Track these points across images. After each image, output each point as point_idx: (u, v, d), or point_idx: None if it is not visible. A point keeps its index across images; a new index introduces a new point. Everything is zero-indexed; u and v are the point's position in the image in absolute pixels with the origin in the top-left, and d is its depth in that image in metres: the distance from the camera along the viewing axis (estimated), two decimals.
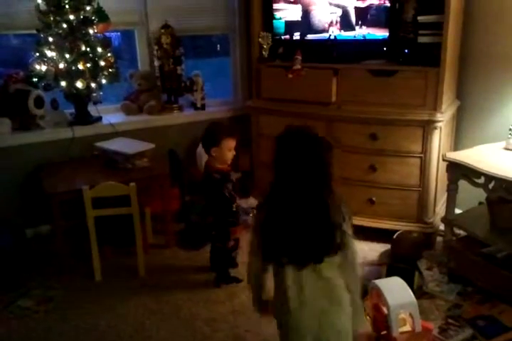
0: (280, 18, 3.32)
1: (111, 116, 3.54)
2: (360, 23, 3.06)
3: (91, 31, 3.09)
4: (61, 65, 3.05)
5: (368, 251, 3.03)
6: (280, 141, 1.60)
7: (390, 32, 2.98)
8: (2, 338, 2.38)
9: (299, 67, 3.13)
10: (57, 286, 2.77)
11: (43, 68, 3.06)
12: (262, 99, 3.41)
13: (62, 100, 3.33)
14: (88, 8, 3.06)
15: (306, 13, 3.21)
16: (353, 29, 3.09)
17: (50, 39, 3.02)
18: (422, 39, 2.85)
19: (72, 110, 3.39)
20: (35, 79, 3.11)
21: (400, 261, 2.72)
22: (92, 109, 3.42)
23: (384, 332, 2.12)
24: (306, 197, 1.53)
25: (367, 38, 3.06)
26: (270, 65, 3.36)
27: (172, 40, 3.51)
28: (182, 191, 3.42)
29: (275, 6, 3.29)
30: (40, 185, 2.85)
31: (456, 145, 3.26)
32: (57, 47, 3.04)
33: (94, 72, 3.14)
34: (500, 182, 2.35)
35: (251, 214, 3.40)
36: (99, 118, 3.45)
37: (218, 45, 6.53)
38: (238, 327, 2.39)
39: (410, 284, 2.28)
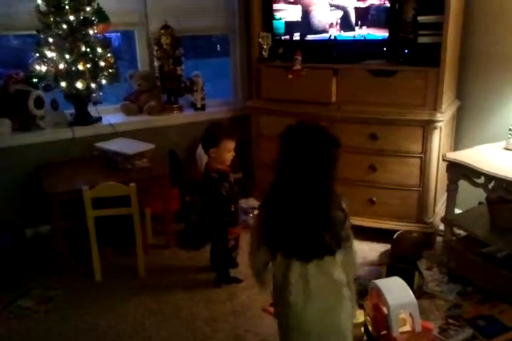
0: (280, 19, 3.32)
1: (111, 116, 3.54)
2: (360, 23, 3.06)
3: (91, 32, 3.09)
4: (61, 66, 3.05)
5: (368, 251, 3.03)
6: (288, 134, 1.57)
7: (389, 32, 2.98)
8: (2, 338, 2.38)
9: (299, 67, 3.13)
10: (57, 286, 2.77)
11: (43, 69, 3.06)
12: (262, 99, 3.41)
13: (62, 100, 3.34)
14: (88, 8, 3.06)
15: (306, 14, 3.21)
16: (353, 29, 3.09)
17: (50, 40, 3.02)
18: (422, 39, 2.85)
19: (72, 110, 3.39)
20: (35, 80, 3.12)
21: (400, 261, 2.72)
22: (92, 110, 3.42)
23: (384, 332, 2.12)
24: (309, 193, 1.52)
25: (367, 38, 3.06)
26: (270, 65, 3.36)
27: (172, 41, 3.51)
28: (182, 191, 3.42)
29: (275, 6, 3.30)
30: (40, 185, 2.85)
31: (456, 145, 3.26)
32: (57, 47, 3.04)
33: (94, 73, 3.14)
34: (500, 182, 2.35)
35: (251, 215, 3.41)
36: (99, 119, 3.45)
37: (218, 46, 6.55)
38: (238, 328, 2.39)
39: (410, 284, 2.28)
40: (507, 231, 2.50)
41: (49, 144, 3.22)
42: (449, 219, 2.73)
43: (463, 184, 2.62)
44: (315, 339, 1.62)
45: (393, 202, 3.04)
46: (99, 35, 3.17)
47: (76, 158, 3.24)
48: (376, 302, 2.20)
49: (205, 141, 2.65)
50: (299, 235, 1.53)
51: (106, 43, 3.20)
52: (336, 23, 3.14)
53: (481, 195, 2.62)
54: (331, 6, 3.12)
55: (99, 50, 3.13)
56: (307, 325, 1.59)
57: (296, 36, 3.30)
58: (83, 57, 3.07)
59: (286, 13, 3.28)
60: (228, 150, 2.61)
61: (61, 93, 3.24)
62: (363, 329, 2.24)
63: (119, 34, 4.27)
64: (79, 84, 3.09)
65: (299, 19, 3.24)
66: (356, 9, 3.04)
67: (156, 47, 3.53)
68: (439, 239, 3.03)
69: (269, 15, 3.36)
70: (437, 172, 2.94)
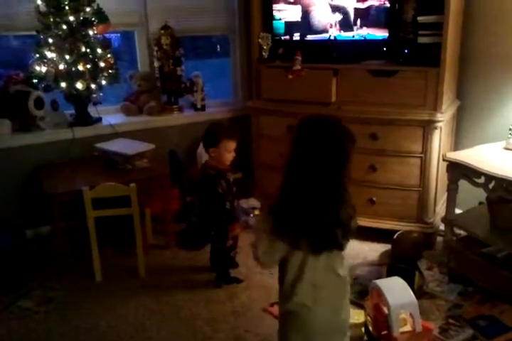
0: (280, 19, 3.32)
1: (111, 117, 3.54)
2: (360, 23, 3.06)
3: (91, 32, 3.09)
4: (61, 66, 3.06)
5: (368, 251, 3.03)
6: (302, 127, 1.53)
7: (389, 32, 2.98)
8: (3, 339, 2.38)
9: (298, 67, 3.13)
10: (58, 287, 2.77)
11: (43, 69, 3.06)
12: (262, 99, 3.41)
13: (62, 101, 3.34)
14: (88, 9, 3.07)
15: (305, 14, 3.21)
16: (353, 29, 3.09)
17: (50, 40, 3.03)
18: (421, 39, 2.85)
19: (72, 111, 3.39)
20: (35, 81, 3.12)
21: (401, 261, 2.72)
22: (92, 110, 3.43)
23: (384, 332, 2.12)
24: (321, 188, 1.48)
25: (367, 38, 3.06)
26: (270, 65, 3.36)
27: (172, 41, 3.51)
28: (182, 192, 3.42)
29: (275, 6, 3.30)
30: (41, 185, 2.85)
31: (457, 145, 3.26)
32: (57, 48, 3.04)
33: (94, 73, 3.14)
34: (501, 182, 2.35)
35: (251, 215, 3.41)
36: (99, 119, 3.45)
37: (218, 46, 6.55)
38: (238, 328, 2.39)
39: (411, 284, 2.28)
40: (507, 231, 2.50)
41: (49, 145, 3.22)
42: (449, 219, 2.73)
43: (463, 184, 2.62)
44: (318, 340, 1.62)
45: (393, 202, 3.04)
46: (99, 36, 3.18)
47: (76, 158, 3.24)
48: (377, 302, 2.19)
49: (205, 141, 2.66)
50: (311, 227, 1.49)
51: (106, 44, 3.21)
52: (336, 23, 3.14)
53: (481, 194, 2.62)
54: (331, 6, 3.12)
55: (99, 50, 3.14)
56: (314, 325, 1.58)
57: (296, 36, 3.30)
58: (83, 57, 3.07)
59: (286, 14, 3.28)
60: (228, 151, 2.61)
61: (61, 94, 3.24)
62: (363, 329, 2.24)
63: (119, 35, 4.27)
64: (79, 85, 3.09)
65: (299, 19, 3.24)
66: (356, 9, 3.04)
67: (156, 48, 3.53)
68: (439, 239, 3.03)
69: (269, 15, 3.37)
70: (437, 172, 2.94)
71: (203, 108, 3.80)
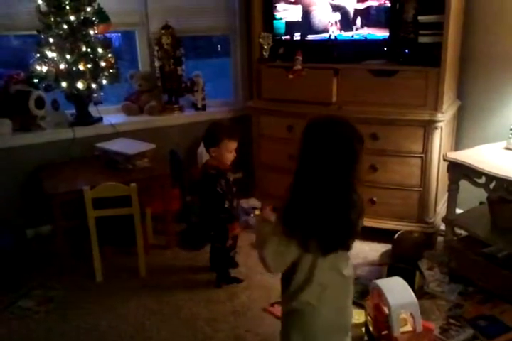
0: (280, 19, 3.32)
1: (111, 116, 3.54)
2: (360, 23, 3.06)
3: (91, 32, 3.09)
4: (62, 66, 3.06)
5: (369, 251, 3.03)
6: (311, 126, 1.52)
7: (390, 32, 2.98)
8: (3, 339, 2.38)
9: (299, 67, 3.13)
10: (58, 287, 2.77)
11: (44, 69, 3.07)
12: (262, 99, 3.41)
13: (62, 101, 3.34)
14: (89, 9, 3.07)
15: (306, 14, 3.21)
16: (354, 29, 3.09)
17: (51, 40, 3.03)
18: (422, 39, 2.85)
19: (73, 111, 3.39)
20: (35, 80, 3.12)
21: (401, 261, 2.71)
22: (93, 110, 3.43)
23: (385, 332, 2.12)
24: (330, 190, 1.46)
25: (367, 38, 3.06)
26: (271, 65, 3.36)
27: (172, 41, 3.52)
28: (183, 191, 3.42)
29: (275, 6, 3.29)
30: (41, 185, 2.85)
31: (457, 145, 3.26)
32: (57, 48, 3.04)
33: (95, 73, 3.14)
34: (501, 182, 2.35)
35: (252, 215, 3.41)
36: (100, 119, 3.46)
37: (219, 46, 6.55)
38: (239, 328, 2.39)
39: (411, 284, 2.28)
40: (508, 231, 2.49)
41: (50, 144, 3.23)
42: (450, 219, 2.72)
43: (464, 184, 2.62)
44: (320, 339, 1.61)
45: (394, 202, 3.04)
46: (99, 36, 3.18)
47: (77, 158, 3.24)
48: (377, 302, 2.19)
49: (206, 140, 2.66)
50: (320, 229, 1.48)
51: (106, 43, 3.21)
52: (337, 23, 3.13)
53: (482, 194, 2.61)
54: (332, 5, 3.12)
55: (99, 50, 3.14)
56: (317, 324, 1.57)
57: (297, 36, 3.30)
58: (84, 57, 3.07)
59: (287, 13, 3.28)
60: (229, 151, 2.61)
61: (62, 93, 3.25)
62: (363, 329, 2.24)
63: (119, 34, 4.27)
64: (80, 85, 3.09)
65: (300, 19, 3.24)
66: (356, 9, 3.04)
67: (156, 48, 3.53)
68: (440, 239, 3.02)
69: (269, 15, 3.36)
70: (438, 172, 2.94)
71: (204, 108, 3.80)
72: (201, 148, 3.27)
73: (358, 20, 3.06)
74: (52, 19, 2.99)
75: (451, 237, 2.76)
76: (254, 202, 3.50)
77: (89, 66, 3.10)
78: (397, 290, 2.12)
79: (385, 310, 2.11)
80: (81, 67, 3.07)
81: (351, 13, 3.06)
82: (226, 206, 2.63)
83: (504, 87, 2.93)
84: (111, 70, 3.22)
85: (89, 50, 3.08)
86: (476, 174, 2.47)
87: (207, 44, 6.74)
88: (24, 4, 3.07)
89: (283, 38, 3.36)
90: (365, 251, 3.00)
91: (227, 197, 2.63)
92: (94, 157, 3.16)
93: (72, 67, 3.06)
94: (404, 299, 2.09)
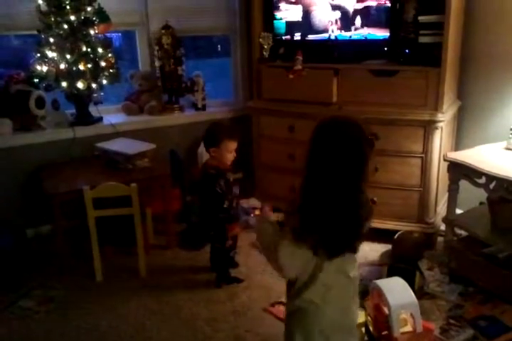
0: (281, 19, 3.32)
1: (112, 116, 3.54)
2: (360, 23, 3.05)
3: (92, 32, 3.09)
4: (62, 66, 3.06)
5: (369, 251, 3.02)
6: (320, 128, 1.50)
7: (390, 32, 2.98)
8: (3, 339, 2.38)
9: (299, 67, 3.13)
10: (58, 286, 2.77)
11: (44, 69, 3.07)
12: (262, 99, 3.41)
13: (63, 101, 3.34)
14: (89, 8, 3.07)
15: (306, 14, 3.21)
16: (354, 29, 3.09)
17: (51, 40, 3.03)
18: (422, 39, 2.85)
19: (73, 110, 3.39)
20: (36, 80, 3.12)
21: (401, 261, 2.71)
22: (93, 110, 3.43)
23: (385, 333, 2.12)
24: (339, 192, 1.45)
25: (368, 38, 3.06)
26: (271, 65, 3.35)
27: (173, 41, 3.52)
28: (183, 191, 3.42)
29: (276, 6, 3.29)
30: (41, 185, 2.85)
31: (457, 146, 3.26)
32: (58, 47, 3.04)
33: (95, 73, 3.14)
34: (502, 182, 2.35)
35: (252, 215, 3.40)
36: (100, 119, 3.46)
37: (219, 46, 6.55)
38: (239, 328, 2.39)
39: (411, 284, 2.27)
40: (508, 232, 2.49)
41: (50, 144, 3.23)
42: (450, 219, 2.72)
43: (464, 184, 2.62)
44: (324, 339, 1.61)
45: (394, 202, 3.04)
46: (100, 35, 3.18)
47: (77, 158, 3.25)
48: (377, 302, 2.19)
49: (206, 141, 2.66)
50: (329, 231, 1.47)
51: (107, 43, 3.21)
52: (337, 23, 3.13)
53: (482, 195, 2.61)
54: (332, 5, 3.11)
55: (100, 50, 3.14)
56: (321, 323, 1.57)
57: (297, 36, 3.30)
58: (84, 57, 3.07)
59: (287, 13, 3.28)
60: (229, 151, 2.61)
61: (62, 93, 3.25)
62: (363, 329, 2.23)
63: (119, 34, 4.27)
64: (80, 84, 3.09)
65: (300, 19, 3.24)
66: (357, 9, 3.04)
67: (156, 47, 3.54)
68: (440, 239, 3.02)
69: (269, 15, 3.36)
70: (438, 172, 2.93)
71: (204, 108, 3.80)
72: (201, 148, 3.27)
73: (359, 21, 3.05)
74: (52, 19, 2.99)
75: (452, 237, 2.76)
76: (254, 202, 3.49)
77: (89, 66, 3.10)
78: (397, 291, 2.12)
79: (385, 310, 2.11)
80: (81, 66, 3.07)
81: (351, 13, 3.06)
82: (225, 206, 2.63)
83: (504, 87, 2.93)
84: (111, 70, 3.22)
85: (89, 49, 3.09)
86: (476, 174, 2.47)
87: (207, 44, 6.74)
88: (24, 4, 3.07)
89: (283, 37, 3.35)
90: (366, 251, 3.00)
91: (226, 197, 2.63)
92: (94, 157, 3.16)
93: (72, 66, 3.06)
94: (405, 299, 2.09)
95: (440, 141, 2.88)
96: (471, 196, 2.81)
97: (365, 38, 3.06)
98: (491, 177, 2.39)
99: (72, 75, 3.08)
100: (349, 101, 3.03)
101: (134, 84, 3.67)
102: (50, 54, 3.05)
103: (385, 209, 3.06)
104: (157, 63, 3.58)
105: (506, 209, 2.52)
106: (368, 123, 2.94)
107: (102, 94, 3.32)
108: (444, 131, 2.90)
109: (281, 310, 2.47)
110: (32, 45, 3.16)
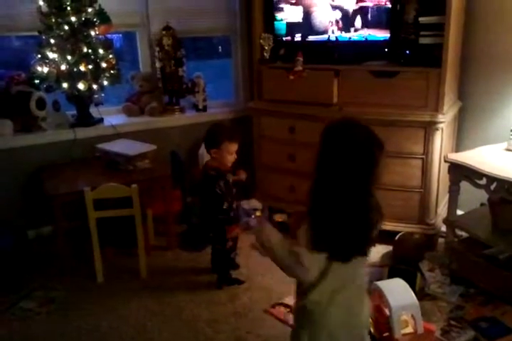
0: (281, 20, 3.32)
1: (112, 117, 3.54)
2: (361, 24, 3.05)
3: (92, 33, 3.09)
4: (63, 67, 3.06)
5: None
6: (329, 131, 1.48)
7: (391, 33, 2.97)
8: (4, 340, 2.38)
9: (300, 68, 3.13)
10: (59, 288, 2.77)
11: (45, 70, 3.07)
12: (263, 100, 3.41)
13: (63, 102, 3.34)
14: (90, 10, 3.07)
15: (307, 15, 3.21)
16: (354, 30, 3.09)
17: (52, 41, 3.03)
18: (423, 40, 2.85)
19: (74, 112, 3.39)
20: (36, 81, 3.12)
21: (402, 262, 2.71)
22: (94, 111, 3.43)
23: (386, 334, 2.12)
24: (349, 195, 1.44)
25: (368, 39, 3.06)
26: (271, 66, 3.36)
27: (173, 42, 3.52)
28: (184, 193, 3.42)
29: (276, 7, 3.29)
30: (42, 186, 2.85)
31: (458, 147, 3.26)
32: (58, 48, 3.04)
33: (96, 74, 3.15)
34: (502, 183, 2.35)
35: (253, 216, 3.40)
36: (101, 120, 3.46)
37: (220, 47, 6.55)
38: (240, 329, 2.39)
39: (412, 286, 2.28)
40: (509, 233, 2.49)
41: (51, 145, 3.23)
42: (451, 221, 2.72)
43: (465, 185, 2.62)
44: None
45: (395, 203, 3.03)
46: (100, 37, 3.18)
47: (78, 159, 3.25)
48: (378, 303, 2.19)
49: (207, 142, 2.65)
50: (341, 235, 1.46)
51: (107, 44, 3.21)
52: (337, 24, 3.13)
53: (482, 196, 2.61)
54: (332, 6, 3.12)
55: (100, 51, 3.14)
56: (327, 325, 1.56)
57: (298, 37, 3.30)
58: (85, 58, 3.07)
59: (288, 14, 3.28)
60: (230, 152, 2.61)
61: (63, 94, 3.25)
62: None
63: (120, 35, 4.27)
64: (81, 86, 3.09)
65: (300, 20, 3.24)
66: (357, 10, 3.04)
67: (157, 49, 3.54)
68: (441, 240, 3.02)
69: (270, 16, 3.36)
70: (439, 173, 2.93)
71: (205, 109, 3.80)
72: (202, 149, 3.26)
73: (359, 21, 3.05)
74: (53, 20, 2.99)
75: (452, 239, 2.75)
76: (255, 203, 3.49)
77: (90, 67, 3.10)
78: (398, 292, 2.12)
79: (386, 311, 2.11)
80: (82, 68, 3.07)
81: (352, 14, 3.06)
82: (225, 207, 2.63)
83: (505, 88, 2.94)
84: (112, 71, 3.23)
85: (90, 51, 3.09)
86: (476, 175, 2.47)
87: (208, 45, 6.74)
88: (25, 5, 3.07)
89: (284, 39, 3.36)
90: None
91: (226, 198, 2.63)
92: (95, 158, 3.16)
93: (73, 68, 3.06)
94: (405, 300, 2.09)
95: (441, 142, 2.88)
96: (472, 197, 2.81)
97: (366, 39, 3.06)
98: (491, 179, 2.39)
99: (72, 76, 3.08)
100: (349, 102, 3.03)
101: (134, 86, 3.67)
102: (51, 55, 3.05)
103: (386, 210, 3.00)
104: (158, 64, 3.58)
105: (507, 211, 2.52)
106: (368, 125, 2.95)
107: (102, 95, 3.32)
108: (445, 132, 2.90)
109: (282, 312, 2.48)
110: (33, 46, 3.16)
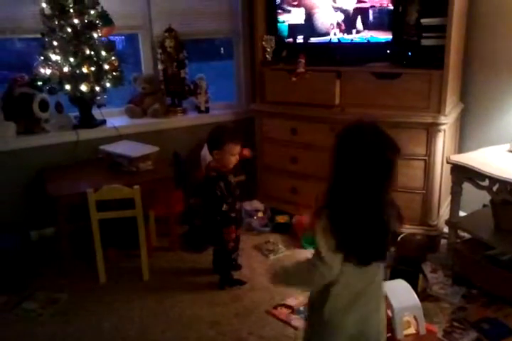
0: (283, 22, 3.32)
1: (115, 119, 3.55)
2: (363, 26, 3.06)
3: (95, 35, 3.10)
4: (65, 69, 3.07)
5: None
6: (345, 135, 1.48)
7: (393, 35, 2.98)
8: (7, 340, 2.39)
9: (302, 70, 3.13)
10: (62, 288, 2.77)
11: (48, 72, 3.08)
12: (265, 102, 3.41)
13: (66, 103, 3.35)
14: (92, 12, 3.08)
15: (309, 16, 3.22)
16: (357, 32, 3.09)
17: (55, 43, 3.04)
18: (425, 42, 2.85)
19: (77, 113, 3.40)
20: (39, 83, 3.13)
21: (404, 263, 2.71)
22: (97, 113, 3.43)
23: (388, 335, 2.12)
24: (365, 200, 1.44)
25: (370, 40, 3.06)
26: (274, 68, 3.36)
27: (176, 44, 3.53)
28: (186, 194, 3.43)
29: (287, 8, 3.29)
30: (45, 187, 2.86)
31: (460, 148, 3.26)
32: (61, 51, 3.05)
33: (99, 76, 3.15)
34: (505, 184, 2.35)
35: (255, 217, 3.41)
36: (104, 122, 3.46)
37: (222, 48, 6.55)
38: (241, 330, 2.39)
39: (414, 287, 2.28)
40: (511, 234, 2.49)
41: (53, 147, 3.24)
42: (453, 222, 2.72)
43: (467, 186, 2.62)
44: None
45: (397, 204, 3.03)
46: (103, 39, 3.18)
47: (81, 160, 3.25)
48: None
49: (209, 144, 2.66)
50: (361, 240, 1.46)
51: (110, 46, 3.22)
52: (339, 26, 3.14)
53: (485, 197, 2.61)
54: (334, 8, 3.12)
55: (103, 53, 3.15)
56: (345, 331, 1.56)
57: (300, 39, 3.30)
58: (87, 60, 3.08)
59: (290, 16, 3.29)
60: (232, 154, 2.61)
61: (66, 96, 3.25)
62: None
63: (123, 37, 4.28)
64: (83, 87, 3.10)
65: (303, 22, 3.25)
66: (359, 12, 3.04)
67: (159, 51, 3.55)
68: (443, 241, 3.02)
69: (272, 18, 3.37)
70: (441, 174, 2.93)
71: (207, 110, 3.81)
72: (204, 151, 3.27)
73: (361, 23, 3.06)
74: (56, 22, 3.00)
75: (455, 240, 2.75)
76: (257, 204, 3.50)
77: (92, 69, 3.11)
78: (400, 293, 2.12)
79: (389, 312, 2.11)
80: (85, 69, 3.08)
81: (354, 15, 3.06)
82: (223, 209, 2.63)
83: (507, 89, 2.93)
84: (114, 73, 3.23)
85: (92, 53, 3.09)
86: (479, 176, 2.47)
87: (210, 47, 6.74)
88: (28, 7, 3.08)
89: (286, 40, 3.36)
90: None
91: (226, 200, 2.63)
92: (97, 159, 3.17)
93: (75, 69, 3.07)
94: (408, 302, 2.09)
95: (443, 143, 2.88)
96: (474, 198, 2.81)
97: (368, 40, 3.06)
98: (494, 180, 2.39)
99: (75, 78, 3.09)
100: (352, 104, 3.04)
101: (137, 87, 3.68)
102: (54, 57, 3.06)
103: None
104: (160, 66, 3.59)
105: (509, 212, 2.52)
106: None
107: (105, 97, 3.33)
108: (447, 133, 2.90)
109: (284, 313, 2.48)
110: (35, 48, 3.17)
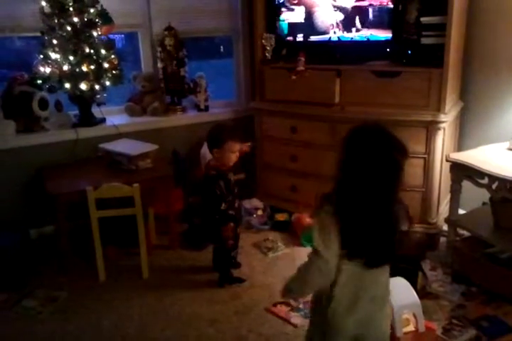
0: (283, 20, 3.32)
1: (115, 117, 3.55)
2: (363, 24, 3.06)
3: (95, 33, 3.10)
4: (65, 67, 3.07)
5: None
6: (352, 137, 1.48)
7: (393, 33, 2.98)
8: (7, 338, 2.39)
9: (302, 68, 3.13)
10: (62, 286, 2.78)
11: (47, 70, 3.08)
12: (265, 100, 3.41)
13: (66, 102, 3.35)
14: (92, 10, 3.08)
15: (309, 15, 3.22)
16: (357, 30, 3.09)
17: (55, 41, 3.04)
18: (425, 40, 2.85)
19: (76, 112, 3.40)
20: (39, 81, 3.13)
21: (403, 261, 2.71)
22: (96, 111, 3.44)
23: None
24: (374, 203, 1.44)
25: (370, 39, 3.06)
26: (273, 66, 3.36)
27: (175, 42, 3.53)
28: (185, 192, 3.43)
29: (288, 6, 3.29)
30: (44, 186, 2.86)
31: (460, 146, 3.26)
32: (61, 49, 3.05)
33: (98, 74, 3.15)
34: (504, 182, 2.35)
35: (254, 215, 3.41)
36: (103, 120, 3.46)
37: (221, 47, 6.56)
38: (241, 328, 2.39)
39: (414, 284, 2.28)
40: (510, 232, 2.50)
41: (53, 145, 3.24)
42: (452, 220, 2.73)
43: (466, 184, 2.62)
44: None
45: None
46: (103, 37, 3.18)
47: (80, 159, 3.26)
48: None
49: (209, 142, 2.66)
50: (369, 240, 1.46)
51: (110, 45, 3.22)
52: (339, 24, 3.14)
53: (484, 195, 2.62)
54: (334, 7, 3.12)
55: (103, 51, 3.15)
56: (346, 332, 1.56)
57: (300, 37, 3.30)
58: (87, 58, 3.08)
59: (290, 15, 3.29)
60: (232, 152, 2.61)
61: (65, 94, 3.25)
62: None
63: (122, 35, 4.28)
64: (83, 86, 3.10)
65: (302, 20, 3.25)
66: (359, 10, 3.04)
67: (159, 49, 3.55)
68: (442, 239, 3.02)
69: (272, 16, 3.37)
70: (441, 172, 2.94)
71: (207, 109, 3.81)
72: (204, 149, 3.27)
73: (361, 22, 3.06)
74: (55, 21, 3.00)
75: (454, 238, 2.76)
76: (256, 202, 3.51)
77: (92, 67, 3.11)
78: (399, 291, 2.12)
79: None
80: (84, 68, 3.08)
81: (354, 14, 3.06)
82: (222, 208, 2.63)
83: (507, 88, 2.93)
84: (114, 71, 3.23)
85: (92, 51, 3.09)
86: (478, 174, 2.47)
87: (210, 45, 6.75)
88: (28, 6, 3.08)
89: (286, 39, 3.36)
90: None
91: (225, 198, 2.63)
92: (97, 158, 3.17)
93: (75, 68, 3.07)
94: (407, 299, 2.10)
95: (442, 141, 2.88)
96: (474, 196, 2.81)
97: (368, 39, 3.06)
98: (493, 178, 2.39)
99: (75, 77, 3.09)
100: (351, 102, 3.04)
101: (136, 86, 3.68)
102: (54, 55, 3.06)
103: None
104: (160, 64, 3.59)
105: (509, 210, 2.52)
106: None
107: (105, 95, 3.33)
108: (447, 131, 2.91)
109: (283, 310, 2.48)
110: (35, 46, 3.17)
